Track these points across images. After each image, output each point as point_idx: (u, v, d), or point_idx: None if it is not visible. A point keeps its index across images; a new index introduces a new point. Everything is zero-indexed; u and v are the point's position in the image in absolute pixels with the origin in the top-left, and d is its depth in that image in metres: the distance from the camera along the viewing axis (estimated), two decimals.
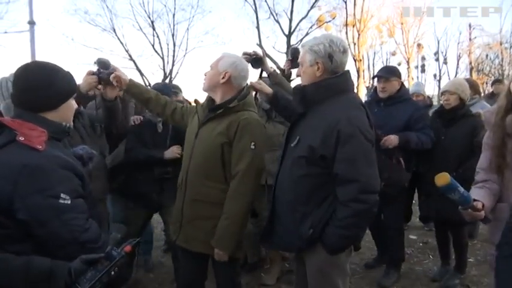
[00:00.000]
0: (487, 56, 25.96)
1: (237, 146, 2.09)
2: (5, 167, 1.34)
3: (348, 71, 1.99)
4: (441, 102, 3.32)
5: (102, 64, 2.57)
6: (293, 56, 3.42)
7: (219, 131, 2.11)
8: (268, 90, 2.39)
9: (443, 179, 1.65)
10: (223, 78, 2.16)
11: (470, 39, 25.78)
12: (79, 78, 1.60)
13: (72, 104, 1.55)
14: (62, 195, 1.35)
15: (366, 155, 1.83)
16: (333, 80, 1.91)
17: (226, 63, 2.17)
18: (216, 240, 2.10)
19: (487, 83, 22.83)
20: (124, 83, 2.37)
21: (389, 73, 3.32)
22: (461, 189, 1.69)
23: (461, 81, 3.35)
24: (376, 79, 3.37)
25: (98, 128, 2.64)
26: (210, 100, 2.27)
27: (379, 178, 1.89)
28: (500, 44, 24.49)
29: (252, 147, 2.09)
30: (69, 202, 1.36)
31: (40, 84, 1.44)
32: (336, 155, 1.80)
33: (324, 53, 1.88)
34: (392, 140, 3.02)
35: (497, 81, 6.74)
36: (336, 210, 1.85)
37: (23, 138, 1.36)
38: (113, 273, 1.25)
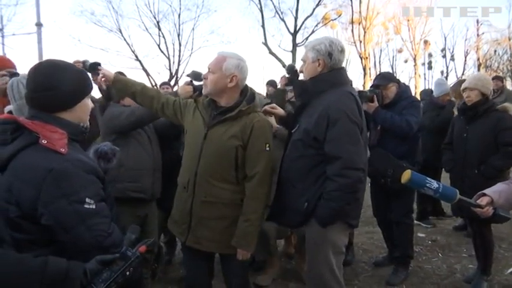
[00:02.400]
0: (495, 51, 25.68)
1: (252, 148, 2.13)
2: (28, 171, 1.31)
3: (343, 68, 2.28)
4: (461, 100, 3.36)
5: (195, 75, 2.76)
6: (290, 72, 3.50)
7: (232, 134, 2.12)
8: (282, 112, 2.61)
9: (405, 176, 1.81)
10: (231, 81, 2.14)
11: (478, 35, 25.53)
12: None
13: (88, 103, 1.51)
14: (87, 199, 1.33)
15: (350, 134, 2.07)
16: (329, 74, 2.19)
17: (231, 65, 2.13)
18: (238, 241, 2.14)
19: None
20: (109, 79, 2.38)
21: (385, 80, 3.37)
22: (435, 185, 1.79)
23: (481, 76, 3.36)
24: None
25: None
26: (212, 101, 2.23)
27: (363, 157, 2.15)
28: (509, 39, 24.20)
29: (267, 149, 2.15)
30: (94, 207, 1.34)
31: (51, 83, 1.40)
32: (326, 137, 2.07)
33: (325, 51, 2.16)
34: (370, 106, 3.17)
35: (496, 78, 6.75)
36: (325, 185, 2.09)
37: (45, 141, 1.33)
38: (128, 273, 1.25)
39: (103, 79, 2.40)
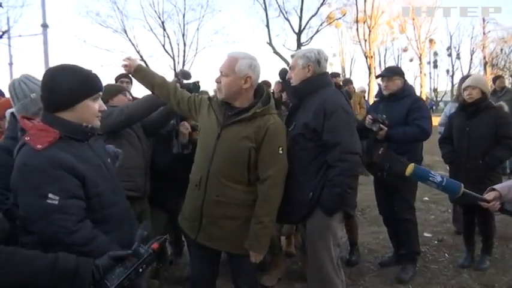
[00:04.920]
0: (501, 50, 25.52)
1: (265, 150, 2.13)
2: (16, 166, 1.43)
3: (327, 72, 2.56)
4: (462, 97, 3.58)
5: (184, 74, 2.82)
6: (282, 76, 3.69)
7: (245, 135, 2.11)
8: None
9: (409, 169, 1.89)
10: (245, 83, 2.13)
11: (484, 33, 25.36)
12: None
13: (90, 105, 1.54)
14: (50, 195, 1.36)
15: (346, 124, 2.31)
16: (319, 77, 2.45)
17: (244, 66, 2.12)
18: (250, 244, 2.14)
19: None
20: (131, 67, 2.40)
21: (391, 72, 3.49)
22: (438, 178, 1.84)
23: (481, 77, 3.78)
24: (380, 78, 3.59)
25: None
26: (225, 102, 2.21)
27: (359, 143, 2.34)
28: None
29: (280, 152, 2.16)
30: (56, 203, 1.36)
31: (53, 85, 1.48)
32: (324, 127, 2.28)
33: (314, 58, 2.42)
34: (380, 134, 3.27)
35: (500, 77, 6.98)
36: (327, 175, 2.27)
37: (28, 138, 1.43)
38: (141, 270, 1.27)
39: (125, 67, 2.43)
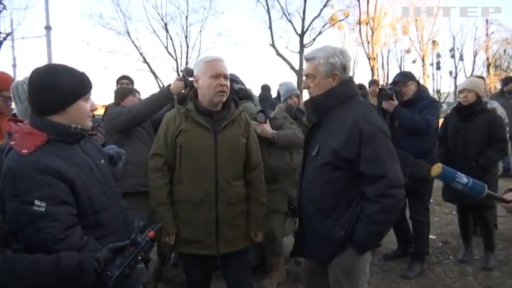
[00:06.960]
0: (504, 51, 25.37)
1: (252, 141, 2.38)
2: (2, 171, 1.38)
3: (351, 78, 2.10)
4: (458, 99, 3.71)
5: (188, 72, 2.86)
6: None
7: (240, 133, 2.31)
8: (270, 134, 2.85)
9: (436, 169, 1.81)
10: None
11: (487, 34, 25.27)
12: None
13: (83, 105, 1.49)
14: (37, 201, 1.32)
15: (389, 151, 1.90)
16: (341, 87, 1.97)
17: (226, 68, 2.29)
18: (260, 225, 2.39)
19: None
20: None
21: (405, 77, 3.55)
22: (464, 179, 1.79)
23: (477, 80, 3.83)
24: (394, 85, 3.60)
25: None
26: (201, 110, 2.23)
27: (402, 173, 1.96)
28: None
29: (257, 139, 2.44)
30: (43, 210, 1.32)
31: (42, 86, 1.43)
32: (361, 155, 1.85)
33: (340, 64, 1.95)
34: (390, 104, 3.36)
35: (510, 79, 6.92)
36: (364, 208, 1.88)
37: (13, 142, 1.39)
38: (139, 258, 1.31)
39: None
